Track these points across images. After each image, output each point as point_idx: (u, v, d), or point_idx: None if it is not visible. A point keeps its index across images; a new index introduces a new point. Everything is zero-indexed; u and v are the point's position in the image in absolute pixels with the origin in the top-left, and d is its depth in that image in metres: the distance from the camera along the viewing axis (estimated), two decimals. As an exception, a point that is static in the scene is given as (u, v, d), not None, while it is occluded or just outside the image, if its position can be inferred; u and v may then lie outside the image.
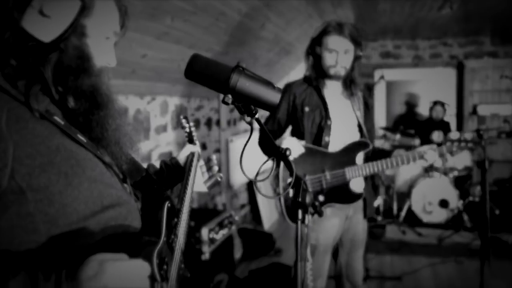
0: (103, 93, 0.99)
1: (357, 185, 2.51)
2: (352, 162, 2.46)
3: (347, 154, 2.48)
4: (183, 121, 1.58)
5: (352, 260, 2.65)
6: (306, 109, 2.49)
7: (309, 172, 2.43)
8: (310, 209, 2.31)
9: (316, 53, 2.50)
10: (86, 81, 0.95)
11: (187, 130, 1.58)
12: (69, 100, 0.96)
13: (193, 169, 1.37)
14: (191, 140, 1.55)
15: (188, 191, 1.24)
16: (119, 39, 1.07)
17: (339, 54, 2.44)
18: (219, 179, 1.54)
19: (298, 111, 2.51)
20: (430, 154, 2.44)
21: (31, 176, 0.82)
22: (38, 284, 0.76)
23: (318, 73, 2.52)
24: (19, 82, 0.87)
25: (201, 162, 1.50)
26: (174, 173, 1.45)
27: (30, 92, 0.86)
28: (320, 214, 2.23)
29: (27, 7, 0.88)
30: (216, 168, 1.52)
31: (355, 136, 2.56)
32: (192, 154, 1.44)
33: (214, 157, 1.57)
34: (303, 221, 2.28)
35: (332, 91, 2.55)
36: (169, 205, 1.05)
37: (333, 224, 2.51)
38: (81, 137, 0.94)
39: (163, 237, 0.96)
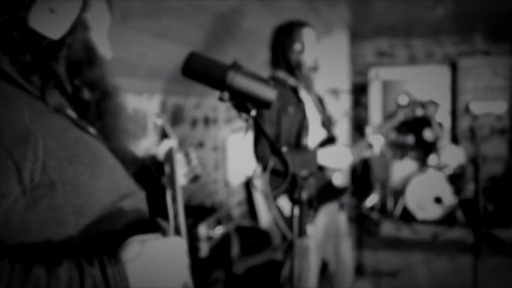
0: (110, 82, 1.03)
1: (339, 179, 2.51)
2: None
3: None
4: (155, 117, 1.63)
5: (341, 251, 2.64)
6: (290, 109, 2.41)
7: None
8: (308, 219, 2.32)
9: (287, 53, 2.44)
10: (97, 72, 0.99)
11: (161, 126, 1.61)
12: (83, 93, 0.99)
13: (174, 161, 1.39)
14: (166, 135, 1.58)
15: (178, 181, 1.26)
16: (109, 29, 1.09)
17: (314, 49, 2.43)
18: (197, 173, 1.52)
19: (278, 113, 2.42)
20: (375, 139, 2.48)
21: (61, 169, 0.83)
22: (83, 269, 0.78)
23: (292, 73, 2.48)
24: (33, 77, 0.89)
25: (179, 156, 1.50)
26: (156, 169, 1.46)
27: (45, 87, 0.89)
28: (313, 222, 2.28)
29: (32, 5, 0.88)
30: (195, 161, 1.51)
31: (322, 133, 2.54)
32: (171, 148, 1.46)
33: (192, 150, 1.56)
34: (304, 232, 2.31)
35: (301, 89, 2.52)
36: (171, 194, 1.10)
37: (322, 220, 2.52)
38: (92, 129, 0.97)
39: (172, 224, 1.02)
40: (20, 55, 0.88)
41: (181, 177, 1.46)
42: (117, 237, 0.89)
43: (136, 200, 1.00)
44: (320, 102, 2.63)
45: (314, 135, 2.49)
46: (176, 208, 1.14)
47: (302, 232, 2.32)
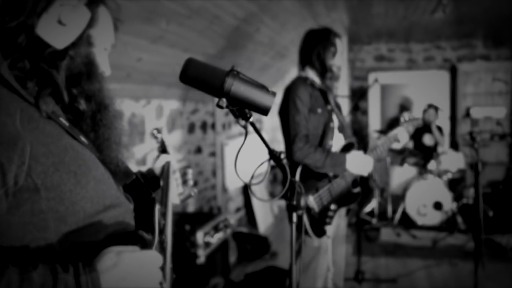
0: (107, 95, 1.06)
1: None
2: None
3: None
4: (155, 131, 1.65)
5: (335, 255, 2.69)
6: (319, 110, 2.49)
7: (318, 181, 2.46)
8: (328, 220, 2.44)
9: (323, 55, 2.53)
10: (95, 85, 1.02)
11: (159, 140, 1.63)
12: (80, 103, 1.01)
13: (170, 175, 1.42)
14: (164, 150, 1.60)
15: (170, 196, 1.29)
16: (110, 50, 1.14)
17: (340, 58, 2.56)
18: (192, 194, 1.56)
19: (309, 111, 2.51)
20: (401, 134, 2.59)
21: (46, 174, 0.84)
22: (57, 275, 0.79)
23: (323, 76, 2.56)
24: (29, 84, 0.90)
25: (177, 175, 1.53)
26: (151, 183, 1.49)
27: (40, 94, 0.90)
28: (331, 223, 2.34)
29: (42, 15, 0.92)
30: (191, 182, 1.54)
31: (339, 137, 2.59)
32: (168, 162, 1.48)
33: (190, 171, 1.59)
34: (324, 232, 2.39)
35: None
36: (159, 207, 1.10)
37: (335, 222, 2.58)
38: (83, 139, 0.99)
39: (157, 238, 1.01)
40: (20, 61, 0.90)
41: (175, 195, 1.47)
42: (97, 246, 0.90)
43: (122, 211, 1.01)
44: (338, 108, 2.67)
45: (335, 139, 2.55)
46: (164, 224, 1.14)
47: (321, 232, 2.41)
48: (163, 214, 1.17)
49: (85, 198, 0.91)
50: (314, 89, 2.51)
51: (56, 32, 0.95)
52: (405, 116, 2.65)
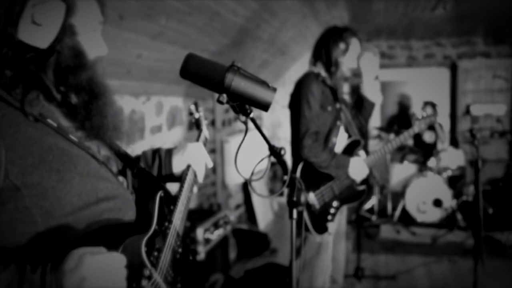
0: (99, 83, 1.06)
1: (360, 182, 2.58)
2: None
3: (347, 154, 2.53)
4: (192, 107, 1.62)
5: (336, 252, 2.69)
6: (329, 108, 2.49)
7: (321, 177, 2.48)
8: (329, 217, 2.45)
9: (330, 49, 2.52)
10: (83, 75, 1.02)
11: (196, 116, 1.61)
12: (71, 97, 1.03)
13: (189, 176, 1.36)
14: (198, 126, 1.59)
15: (189, 178, 1.30)
16: (103, 26, 1.12)
17: (354, 58, 2.56)
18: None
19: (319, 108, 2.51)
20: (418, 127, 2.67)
21: (24, 175, 0.89)
22: (25, 276, 0.84)
23: (329, 70, 2.55)
24: (15, 90, 0.93)
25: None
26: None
27: (25, 98, 0.93)
28: (333, 220, 2.35)
29: (19, 20, 0.93)
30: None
31: (346, 136, 2.60)
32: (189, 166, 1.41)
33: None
34: (325, 229, 2.41)
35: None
36: (162, 194, 1.11)
37: (337, 219, 2.58)
38: (73, 137, 1.01)
39: (154, 226, 1.01)
40: (6, 69, 0.93)
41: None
42: (90, 237, 0.96)
43: (118, 202, 1.04)
44: (346, 106, 2.68)
45: (340, 137, 2.58)
46: (173, 209, 1.15)
47: (323, 229, 2.42)
48: (174, 198, 1.18)
49: (71, 192, 0.94)
50: (325, 86, 2.50)
51: (36, 33, 0.96)
52: (417, 114, 2.70)
